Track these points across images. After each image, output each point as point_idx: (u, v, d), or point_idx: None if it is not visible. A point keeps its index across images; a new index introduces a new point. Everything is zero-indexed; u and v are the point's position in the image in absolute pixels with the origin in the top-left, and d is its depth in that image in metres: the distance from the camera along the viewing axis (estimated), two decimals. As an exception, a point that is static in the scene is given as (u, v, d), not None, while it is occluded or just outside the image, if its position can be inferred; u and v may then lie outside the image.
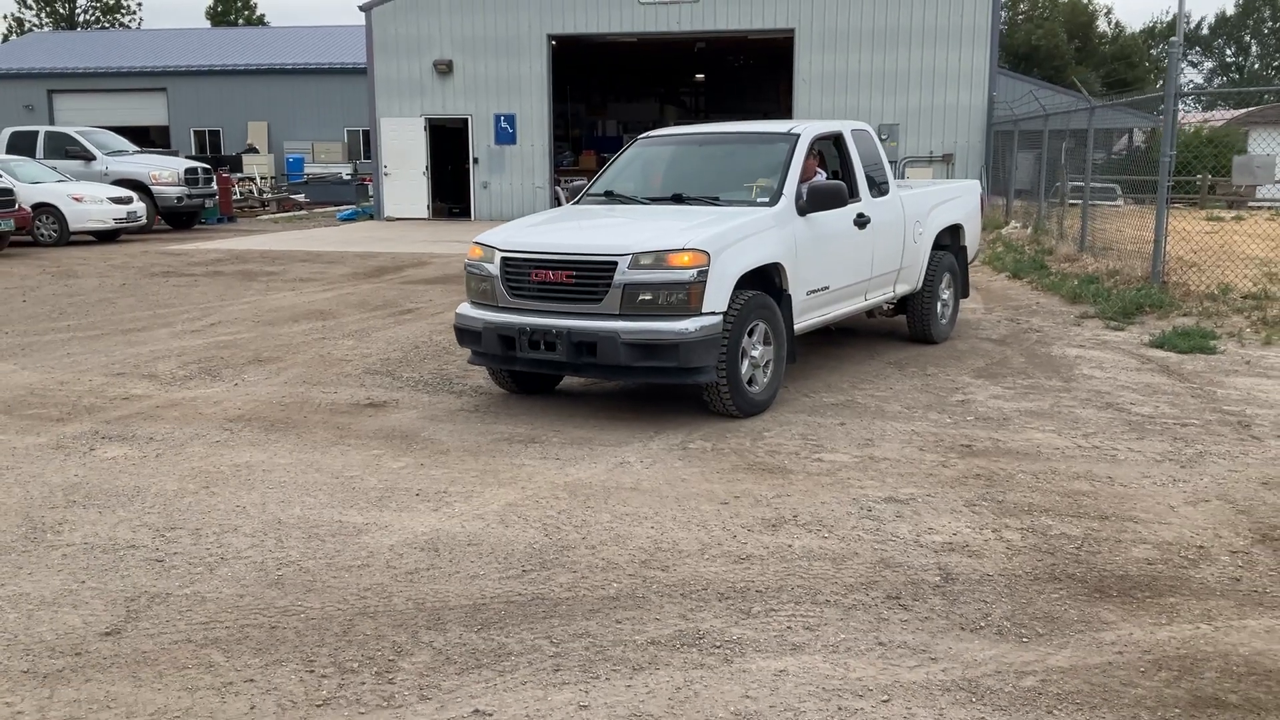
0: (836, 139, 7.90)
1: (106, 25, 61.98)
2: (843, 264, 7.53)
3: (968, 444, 5.91)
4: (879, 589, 4.01)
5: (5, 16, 74.82)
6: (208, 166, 24.42)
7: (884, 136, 23.57)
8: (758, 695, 3.23)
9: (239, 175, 30.80)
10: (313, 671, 3.38)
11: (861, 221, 7.62)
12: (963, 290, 9.53)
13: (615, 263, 6.14)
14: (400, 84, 25.12)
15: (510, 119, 24.85)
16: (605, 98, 35.38)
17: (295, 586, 4.03)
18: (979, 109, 23.06)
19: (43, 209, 19.02)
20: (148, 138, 34.37)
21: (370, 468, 5.55)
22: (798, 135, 7.43)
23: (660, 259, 6.11)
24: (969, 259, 9.78)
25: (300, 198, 30.66)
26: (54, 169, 20.99)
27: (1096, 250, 13.44)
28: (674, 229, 6.43)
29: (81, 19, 62.90)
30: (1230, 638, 3.59)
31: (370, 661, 3.44)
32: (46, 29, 59.39)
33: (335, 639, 3.60)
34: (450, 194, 26.05)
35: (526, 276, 6.44)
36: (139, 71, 37.93)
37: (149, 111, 38.07)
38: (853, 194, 7.62)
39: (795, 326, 6.99)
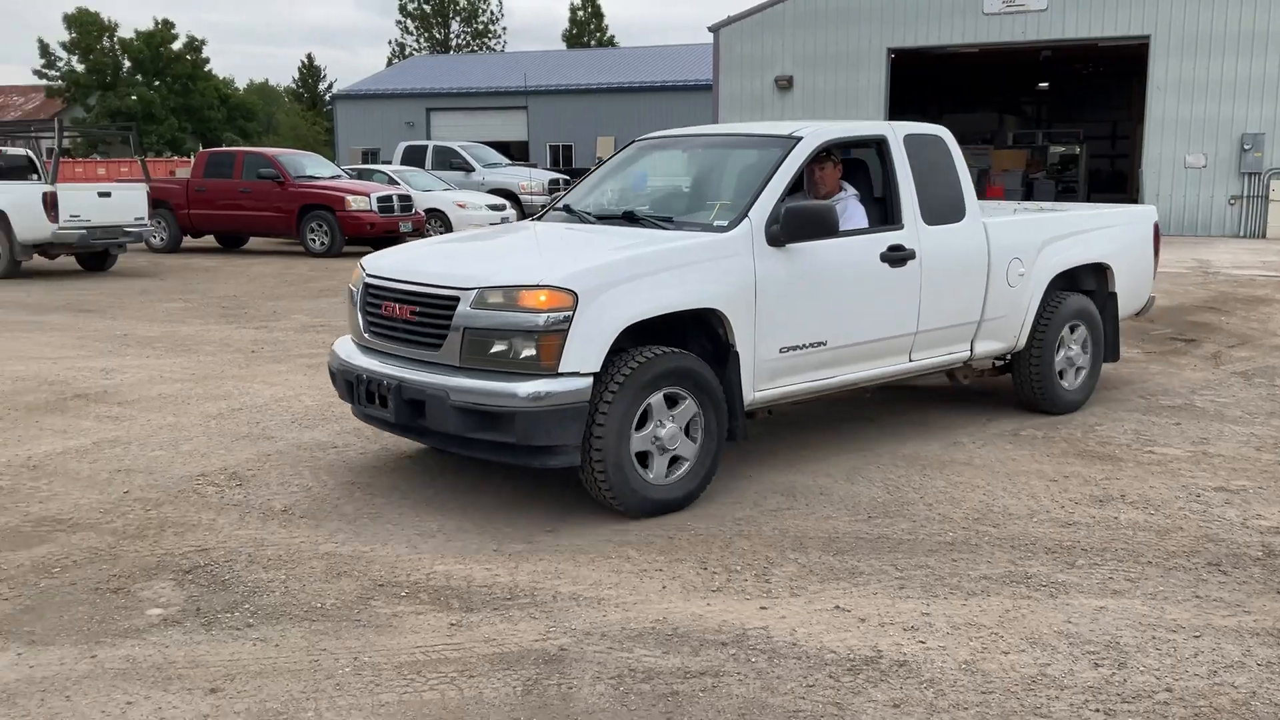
0: (879, 145, 6.05)
1: (475, 49, 68.51)
2: (855, 312, 5.67)
3: (1310, 448, 6.01)
4: (1200, 557, 4.40)
5: (390, 42, 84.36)
6: (568, 178, 26.84)
7: (1247, 147, 22.18)
8: (1079, 622, 3.79)
9: (590, 185, 33.34)
10: (705, 569, 4.29)
11: (898, 257, 5.78)
12: (1111, 351, 7.27)
13: (458, 298, 4.78)
14: (742, 99, 26.44)
15: (846, 131, 25.45)
16: (942, 108, 35.11)
17: (684, 514, 4.98)
18: (1363, 116, 21.17)
19: (432, 213, 21.83)
20: (508, 151, 37.89)
21: (732, 432, 6.47)
22: (798, 140, 5.69)
23: (511, 296, 4.67)
24: (1133, 310, 7.57)
25: (643, 206, 32.79)
26: (439, 179, 23.95)
27: None
28: (544, 260, 5.17)
29: (454, 43, 69.91)
30: None
31: (749, 567, 4.31)
32: (425, 53, 66.53)
33: (720, 550, 4.51)
34: (784, 204, 27.01)
35: (379, 309, 5.25)
36: (504, 91, 41.95)
37: (511, 127, 42.02)
38: (890, 219, 5.93)
39: (755, 395, 5.31)
